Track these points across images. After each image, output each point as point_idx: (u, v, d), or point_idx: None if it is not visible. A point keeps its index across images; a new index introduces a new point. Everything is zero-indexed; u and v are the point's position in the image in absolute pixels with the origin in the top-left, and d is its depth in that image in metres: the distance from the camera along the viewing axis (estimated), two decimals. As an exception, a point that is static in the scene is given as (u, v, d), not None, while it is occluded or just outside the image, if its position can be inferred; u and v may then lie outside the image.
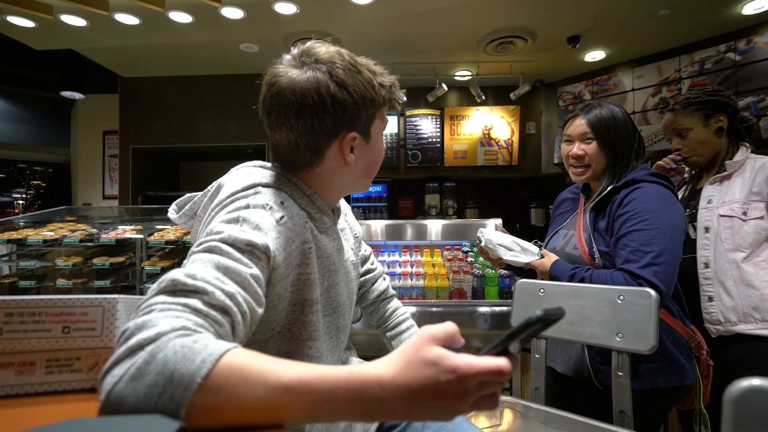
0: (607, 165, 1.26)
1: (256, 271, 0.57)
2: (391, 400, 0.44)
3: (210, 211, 0.70)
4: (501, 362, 0.43)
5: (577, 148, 1.28)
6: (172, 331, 0.45)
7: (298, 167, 0.75)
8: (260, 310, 0.58)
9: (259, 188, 0.69)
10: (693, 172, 1.55)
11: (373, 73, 0.73)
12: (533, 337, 0.45)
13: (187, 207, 0.81)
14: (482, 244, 1.37)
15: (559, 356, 1.29)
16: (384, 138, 0.84)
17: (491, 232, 1.37)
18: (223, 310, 0.51)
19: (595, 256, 1.20)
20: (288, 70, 0.70)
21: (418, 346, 0.45)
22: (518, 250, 1.31)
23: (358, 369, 0.46)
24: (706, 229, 1.37)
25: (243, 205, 0.64)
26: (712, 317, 1.34)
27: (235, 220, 0.61)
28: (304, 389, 0.44)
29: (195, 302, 0.50)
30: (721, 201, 1.37)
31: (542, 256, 1.29)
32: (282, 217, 0.65)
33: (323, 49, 0.71)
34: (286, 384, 0.44)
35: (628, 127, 1.26)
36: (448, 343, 0.46)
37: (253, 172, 0.73)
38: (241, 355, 0.45)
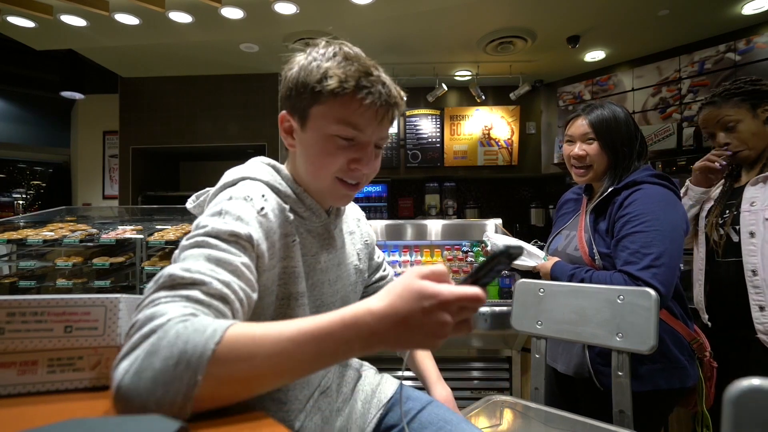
0: (609, 165, 1.26)
1: (245, 259, 0.60)
2: (383, 328, 0.49)
3: (206, 202, 0.73)
4: (477, 290, 0.49)
5: (578, 149, 1.28)
6: (181, 315, 0.48)
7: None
8: (255, 295, 0.61)
9: (245, 181, 0.71)
10: (731, 167, 1.45)
11: (339, 65, 0.68)
12: (499, 273, 0.53)
13: (201, 198, 0.83)
14: (488, 248, 1.38)
15: (560, 356, 1.29)
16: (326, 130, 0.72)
17: (497, 236, 1.40)
18: (222, 298, 0.54)
19: (596, 257, 1.20)
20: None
21: (404, 280, 0.51)
22: (524, 255, 1.32)
23: (349, 307, 0.51)
24: (751, 234, 1.28)
25: (226, 197, 0.66)
26: (765, 328, 1.26)
27: (218, 213, 0.63)
28: (306, 335, 0.49)
29: (195, 293, 0.52)
30: (765, 203, 1.28)
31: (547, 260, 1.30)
32: (262, 209, 0.67)
33: (332, 44, 0.73)
34: (289, 335, 0.48)
35: (630, 127, 1.25)
36: (436, 281, 0.51)
37: (249, 166, 0.76)
38: (245, 324, 0.50)
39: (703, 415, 1.20)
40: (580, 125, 1.28)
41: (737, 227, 1.33)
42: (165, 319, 0.47)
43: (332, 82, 0.67)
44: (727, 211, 1.37)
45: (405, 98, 0.77)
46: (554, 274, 1.25)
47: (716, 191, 1.46)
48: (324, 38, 0.74)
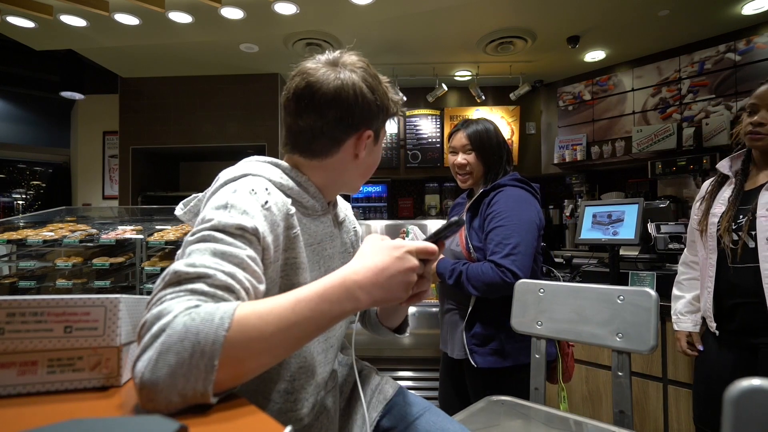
0: (484, 171, 1.51)
1: (251, 252, 0.61)
2: (366, 281, 0.58)
3: (205, 200, 0.72)
4: (431, 244, 0.65)
5: (460, 158, 1.51)
6: (185, 309, 0.50)
7: (313, 155, 0.79)
8: (262, 287, 0.62)
9: (248, 177, 0.72)
10: (742, 168, 1.42)
11: (387, 88, 0.83)
12: (447, 237, 0.70)
13: (192, 204, 0.83)
14: (408, 236, 1.60)
15: (449, 342, 1.48)
16: (384, 139, 0.91)
17: (418, 232, 1.62)
18: (227, 288, 0.55)
19: (471, 250, 1.40)
20: (323, 68, 0.77)
21: (372, 243, 0.64)
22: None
23: (336, 271, 0.60)
24: None
25: (230, 191, 0.67)
26: None
27: (224, 206, 0.63)
28: (302, 302, 0.55)
29: (200, 286, 0.54)
30: None
31: None
32: (266, 202, 0.68)
33: (354, 58, 0.80)
34: (288, 305, 0.54)
35: (499, 138, 1.51)
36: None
37: (247, 163, 0.77)
38: (249, 303, 0.54)
39: (560, 387, 1.36)
40: (460, 138, 1.51)
41: (753, 233, 1.30)
42: (171, 316, 0.49)
43: (393, 107, 0.84)
44: (741, 216, 1.34)
45: None
46: (439, 271, 1.42)
47: (725, 194, 1.43)
48: (358, 55, 0.82)
